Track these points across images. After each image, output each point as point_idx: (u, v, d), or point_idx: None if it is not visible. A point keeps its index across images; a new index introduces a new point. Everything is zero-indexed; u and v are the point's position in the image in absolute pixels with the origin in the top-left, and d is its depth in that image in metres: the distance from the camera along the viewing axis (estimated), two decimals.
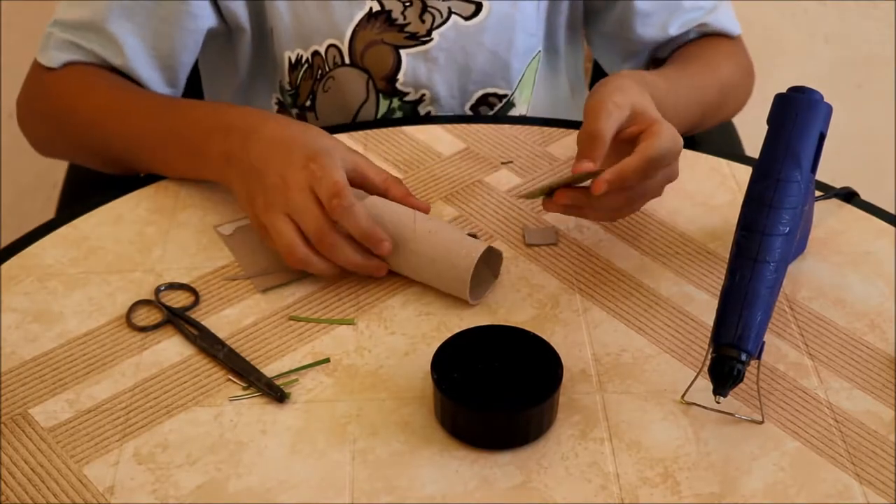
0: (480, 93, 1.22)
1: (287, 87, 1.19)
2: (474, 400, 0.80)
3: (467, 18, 1.16)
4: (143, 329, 0.91)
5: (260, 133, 0.96)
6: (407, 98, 1.19)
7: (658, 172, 0.93)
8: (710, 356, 0.81)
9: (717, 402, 0.81)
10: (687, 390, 0.84)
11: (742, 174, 1.08)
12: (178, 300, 0.94)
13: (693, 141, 1.30)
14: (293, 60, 1.16)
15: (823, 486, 0.79)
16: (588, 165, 0.90)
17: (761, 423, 0.83)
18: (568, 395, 0.85)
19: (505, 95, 1.22)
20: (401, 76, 1.18)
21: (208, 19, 1.11)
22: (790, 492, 0.79)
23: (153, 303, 0.93)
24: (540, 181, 1.07)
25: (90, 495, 0.78)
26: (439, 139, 1.13)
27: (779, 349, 0.90)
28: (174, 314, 0.92)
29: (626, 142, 0.93)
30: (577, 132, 1.13)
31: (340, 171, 0.92)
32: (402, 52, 1.16)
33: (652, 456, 0.81)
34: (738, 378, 0.80)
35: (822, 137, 0.87)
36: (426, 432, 0.82)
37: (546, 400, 0.81)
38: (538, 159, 1.10)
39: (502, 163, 1.10)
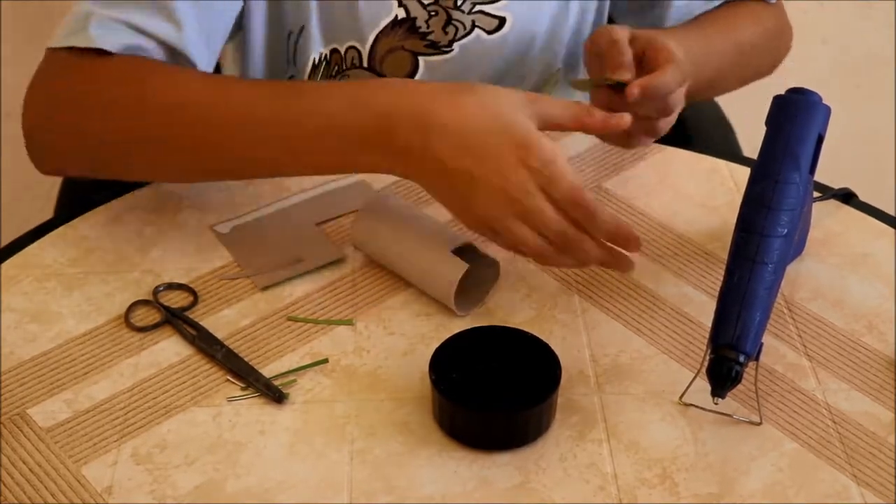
0: None
1: None
2: (473, 400, 0.80)
3: (490, 33, 1.15)
4: (141, 329, 0.91)
5: (439, 124, 0.85)
6: None
7: (673, 94, 0.96)
8: (708, 357, 0.81)
9: (716, 403, 0.81)
10: (685, 391, 0.84)
11: (741, 175, 1.08)
12: (176, 300, 0.94)
13: (690, 141, 1.30)
14: (316, 61, 1.14)
15: (821, 487, 0.79)
16: (627, 76, 0.94)
17: (759, 424, 0.83)
18: (566, 396, 0.85)
19: None
20: None
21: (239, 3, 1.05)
22: (788, 492, 0.79)
23: (152, 303, 0.93)
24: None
25: (88, 495, 0.78)
26: None
27: (777, 350, 0.90)
28: (173, 314, 0.92)
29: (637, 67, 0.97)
30: (576, 134, 1.14)
31: (567, 167, 0.84)
32: (421, 58, 1.15)
33: (650, 457, 0.81)
34: (736, 379, 0.80)
35: (820, 139, 0.87)
36: (425, 433, 0.82)
37: (544, 401, 0.81)
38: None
39: None
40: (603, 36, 0.99)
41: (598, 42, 0.99)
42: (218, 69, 1.15)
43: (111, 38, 0.93)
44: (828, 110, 0.88)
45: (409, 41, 1.14)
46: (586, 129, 0.92)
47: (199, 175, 0.98)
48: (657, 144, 1.12)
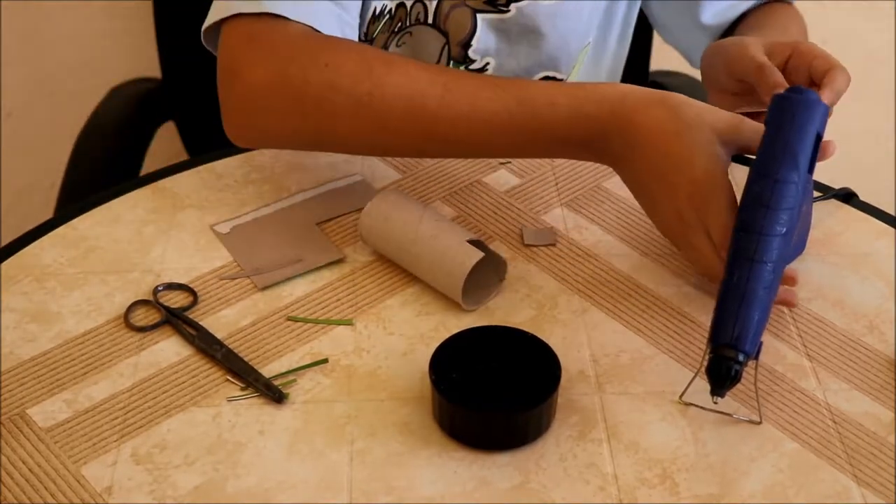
0: (542, 74, 1.21)
1: (362, 37, 1.14)
2: (473, 401, 0.80)
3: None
4: (141, 329, 0.91)
5: (640, 142, 0.90)
6: (472, 67, 1.18)
7: None
8: (707, 357, 0.81)
9: (715, 403, 0.81)
10: (685, 391, 0.84)
11: (740, 174, 1.08)
12: (176, 300, 0.94)
13: None
14: (377, 11, 1.12)
15: (822, 488, 0.79)
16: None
17: (759, 423, 0.83)
18: (566, 396, 0.85)
19: (562, 80, 1.22)
20: (474, 42, 1.16)
21: None
22: (789, 493, 0.79)
23: (151, 303, 0.93)
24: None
25: (88, 495, 0.78)
26: None
27: (777, 350, 0.90)
28: (172, 314, 0.92)
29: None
30: None
31: (725, 216, 0.87)
32: (479, 16, 1.15)
33: (650, 457, 0.81)
34: (735, 379, 0.80)
35: (819, 138, 0.87)
36: (424, 433, 0.82)
37: (544, 401, 0.81)
38: (537, 159, 1.10)
39: (501, 163, 1.10)
40: (744, 63, 1.01)
41: (742, 70, 1.01)
42: None
43: (320, 9, 0.96)
44: (826, 109, 0.88)
45: None
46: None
47: (414, 155, 1.06)
48: None
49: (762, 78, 0.98)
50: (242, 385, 0.86)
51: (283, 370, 0.87)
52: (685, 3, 1.24)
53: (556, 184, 1.07)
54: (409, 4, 1.13)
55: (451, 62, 1.17)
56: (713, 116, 0.90)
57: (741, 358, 0.80)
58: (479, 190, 1.06)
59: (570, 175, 1.08)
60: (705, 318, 0.92)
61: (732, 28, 1.24)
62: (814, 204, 0.99)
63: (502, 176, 1.08)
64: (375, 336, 0.90)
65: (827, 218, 1.03)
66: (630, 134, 0.90)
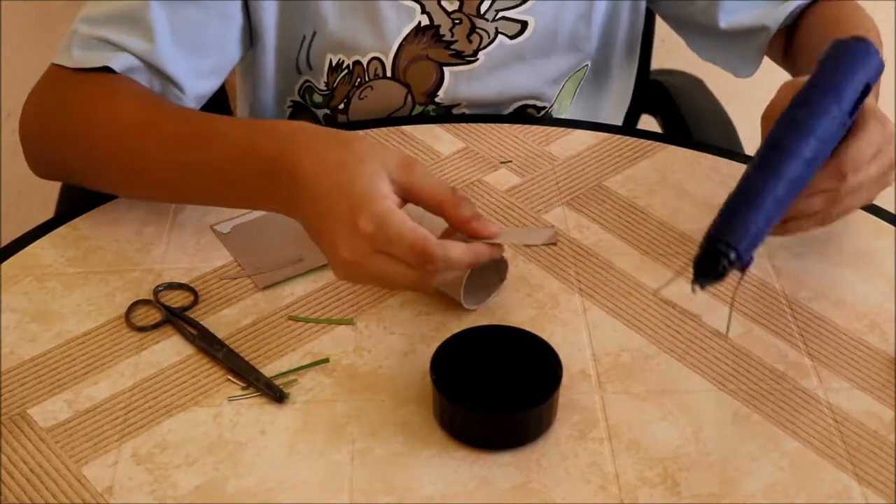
0: (519, 104, 1.21)
1: (322, 87, 1.16)
2: (473, 400, 0.80)
3: (512, 37, 1.15)
4: (141, 329, 0.91)
5: (303, 182, 0.84)
6: (443, 104, 1.19)
7: (866, 166, 0.88)
8: (701, 247, 0.80)
9: (693, 292, 0.80)
10: (664, 286, 0.84)
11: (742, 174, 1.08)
12: (176, 300, 0.93)
13: (691, 139, 1.30)
14: (334, 63, 1.14)
15: (823, 487, 0.79)
16: None
17: (726, 336, 0.82)
18: (567, 396, 0.85)
19: (543, 107, 1.22)
20: (441, 92, 1.17)
21: (239, 18, 1.07)
22: (790, 492, 0.79)
23: (152, 303, 0.93)
24: (540, 182, 1.06)
25: (89, 495, 0.78)
26: (438, 138, 1.13)
27: (778, 349, 0.90)
28: (173, 314, 0.92)
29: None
30: (577, 132, 1.14)
31: (401, 226, 0.80)
32: (446, 69, 1.15)
33: (651, 456, 0.81)
34: (720, 275, 0.79)
35: (867, 89, 0.87)
36: (425, 433, 0.82)
37: (545, 400, 0.81)
38: (538, 158, 1.10)
39: (501, 162, 1.10)
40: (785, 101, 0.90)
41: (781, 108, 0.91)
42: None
43: (90, 57, 0.99)
44: (882, 64, 0.88)
45: (433, 50, 1.13)
46: (448, 222, 0.85)
47: (138, 197, 1.03)
48: (658, 143, 1.13)
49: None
50: (243, 385, 0.86)
51: (284, 370, 0.87)
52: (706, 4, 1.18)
53: (557, 183, 1.07)
54: (364, 62, 1.13)
55: (416, 106, 1.17)
56: (385, 154, 0.84)
57: (733, 256, 0.79)
58: (480, 189, 1.06)
59: (570, 174, 1.08)
60: (707, 318, 0.92)
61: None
62: None
63: (503, 175, 1.08)
64: (376, 336, 0.90)
65: None
66: (295, 173, 0.84)
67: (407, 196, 0.84)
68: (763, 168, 0.82)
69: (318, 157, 0.84)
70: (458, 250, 0.81)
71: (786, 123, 0.84)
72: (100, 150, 0.98)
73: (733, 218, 0.80)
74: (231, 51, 1.09)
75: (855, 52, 0.87)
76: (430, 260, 0.79)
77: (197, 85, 1.05)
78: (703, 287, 0.80)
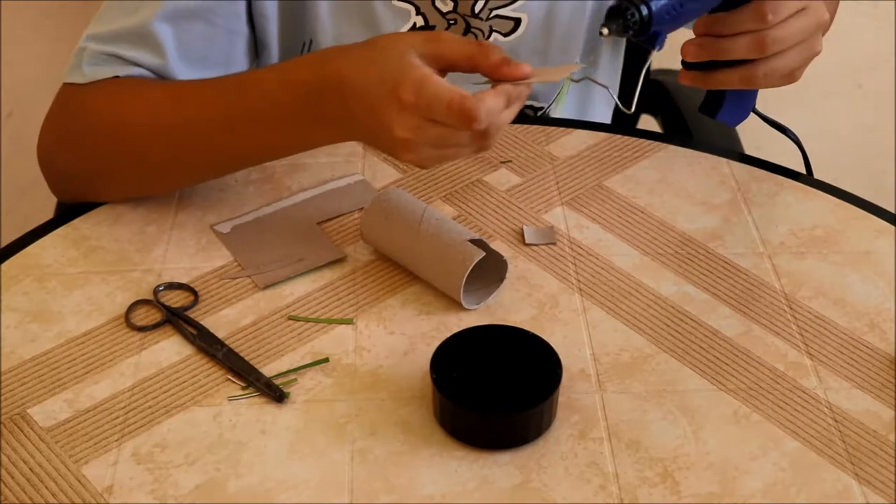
0: None
1: None
2: (473, 400, 0.80)
3: (506, 35, 1.15)
4: (142, 329, 0.91)
5: (349, 88, 0.87)
6: None
7: (791, 19, 0.92)
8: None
9: (601, 35, 0.86)
10: (556, 98, 0.92)
11: (742, 174, 1.08)
12: (177, 300, 0.94)
13: (691, 139, 1.30)
14: (306, 45, 1.13)
15: (823, 486, 0.79)
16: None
17: (630, 112, 0.91)
18: (567, 395, 0.85)
19: (541, 108, 1.21)
20: None
21: (245, 32, 1.08)
22: (789, 492, 0.79)
23: (152, 302, 0.93)
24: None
25: (89, 495, 0.78)
26: None
27: (778, 348, 0.90)
28: (173, 314, 0.92)
29: None
30: (577, 132, 1.14)
31: (439, 87, 0.83)
32: None
33: (651, 456, 0.81)
34: (628, 24, 0.85)
35: None
36: (425, 432, 0.82)
37: (545, 400, 0.81)
38: (538, 158, 1.10)
39: (501, 162, 1.10)
40: None
41: None
42: None
43: (102, 72, 1.00)
44: None
45: None
46: (482, 72, 0.88)
47: (185, 183, 1.03)
48: (658, 142, 1.13)
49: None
50: (243, 384, 0.86)
51: (284, 369, 0.87)
52: None
53: (557, 183, 1.07)
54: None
55: None
56: (411, 35, 0.89)
57: (644, 10, 0.85)
58: (480, 189, 1.06)
59: (570, 174, 1.08)
60: (706, 318, 0.92)
61: None
62: (814, 202, 0.99)
63: (503, 175, 1.08)
64: (376, 335, 0.90)
65: (827, 216, 1.03)
66: (341, 86, 0.88)
67: (439, 64, 0.87)
68: None
69: (353, 64, 0.88)
70: (490, 96, 0.84)
71: None
72: (136, 142, 0.98)
73: None
74: (238, 64, 1.09)
75: None
76: (473, 115, 0.82)
77: None
78: (610, 32, 0.86)
